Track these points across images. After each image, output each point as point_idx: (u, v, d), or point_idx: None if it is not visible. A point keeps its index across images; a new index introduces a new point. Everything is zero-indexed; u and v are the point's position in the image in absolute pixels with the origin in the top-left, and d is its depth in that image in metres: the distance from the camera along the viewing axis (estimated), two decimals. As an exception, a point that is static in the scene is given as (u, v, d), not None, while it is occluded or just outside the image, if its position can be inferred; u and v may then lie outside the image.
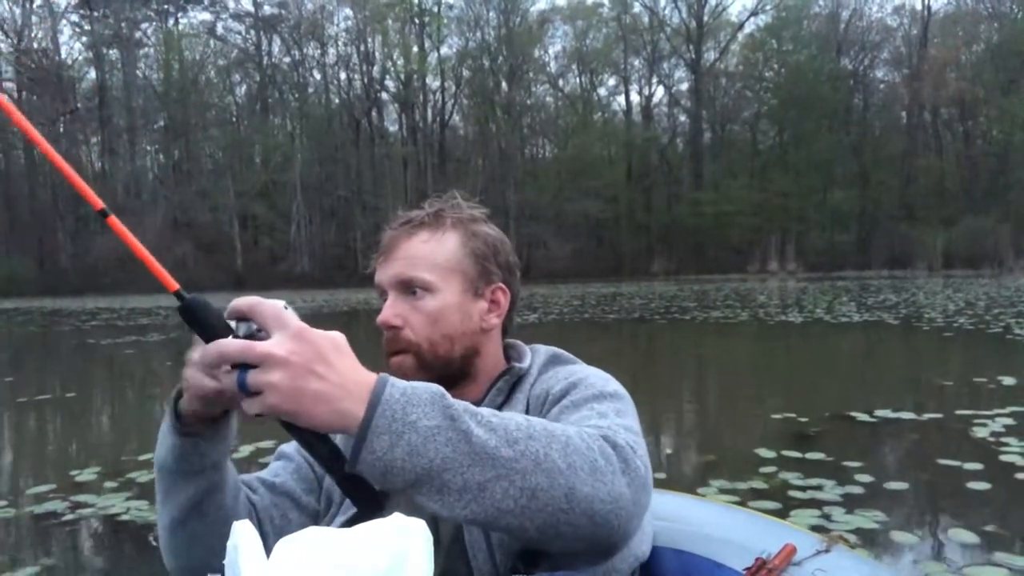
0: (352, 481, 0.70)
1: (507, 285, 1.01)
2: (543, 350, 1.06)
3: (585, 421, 0.81)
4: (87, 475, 3.96)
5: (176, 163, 49.36)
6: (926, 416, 4.73)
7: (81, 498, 3.55)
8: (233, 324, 0.68)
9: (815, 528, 2.76)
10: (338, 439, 0.75)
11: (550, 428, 0.72)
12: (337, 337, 0.69)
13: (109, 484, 3.77)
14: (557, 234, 48.39)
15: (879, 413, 4.83)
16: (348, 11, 51.52)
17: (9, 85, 46.77)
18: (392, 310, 0.94)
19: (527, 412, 0.95)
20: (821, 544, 0.96)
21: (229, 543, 0.53)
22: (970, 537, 2.67)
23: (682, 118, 57.71)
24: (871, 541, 2.68)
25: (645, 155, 54.28)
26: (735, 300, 18.92)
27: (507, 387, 0.99)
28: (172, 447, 0.80)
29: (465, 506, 0.67)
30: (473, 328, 0.97)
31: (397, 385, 0.68)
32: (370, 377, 0.68)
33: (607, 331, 12.49)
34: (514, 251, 1.05)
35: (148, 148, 51.00)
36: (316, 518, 0.97)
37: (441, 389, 0.70)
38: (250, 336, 0.67)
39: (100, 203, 0.68)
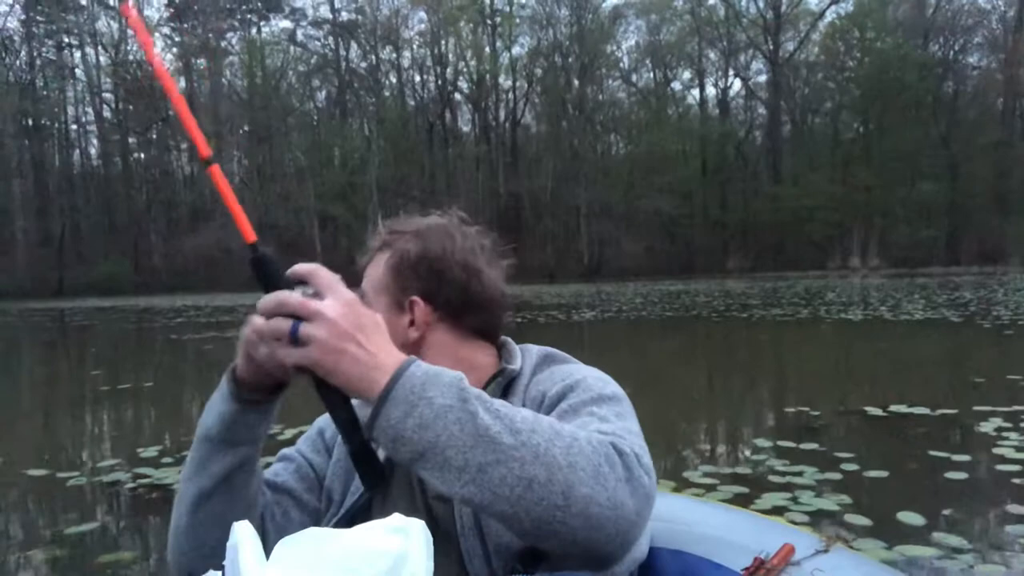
0: (362, 453, 0.76)
1: (428, 295, 0.99)
2: (535, 350, 1.06)
3: (588, 427, 0.82)
4: (150, 452, 4.48)
5: (260, 167, 51.54)
6: (940, 412, 4.79)
7: (142, 470, 4.06)
8: (295, 285, 0.77)
9: (776, 509, 3.00)
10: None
11: (558, 427, 0.74)
12: (379, 318, 0.78)
13: (167, 460, 4.28)
14: (629, 231, 48.19)
15: (893, 408, 4.91)
16: (422, 15, 52.74)
17: (108, 96, 49.82)
18: None
19: None
20: (820, 544, 0.97)
21: (229, 543, 0.54)
22: (918, 520, 2.84)
23: (760, 111, 56.55)
24: (825, 521, 2.88)
25: (721, 149, 53.39)
26: (802, 298, 18.63)
27: (499, 390, 1.00)
28: (222, 414, 0.86)
29: (464, 485, 0.70)
30: (400, 342, 0.95)
31: (422, 366, 0.75)
32: (400, 355, 0.76)
33: (656, 328, 12.61)
34: (457, 253, 1.00)
35: (234, 153, 53.41)
36: (317, 516, 1.01)
37: (461, 375, 0.75)
38: (308, 295, 0.75)
39: (208, 151, 0.74)
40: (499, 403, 0.74)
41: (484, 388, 0.97)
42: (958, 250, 44.99)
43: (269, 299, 0.74)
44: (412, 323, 0.99)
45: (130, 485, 3.82)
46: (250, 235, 0.75)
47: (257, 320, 0.77)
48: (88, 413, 6.68)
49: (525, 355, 1.04)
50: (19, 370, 10.56)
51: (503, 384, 1.00)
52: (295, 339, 0.73)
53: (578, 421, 0.84)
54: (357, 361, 0.73)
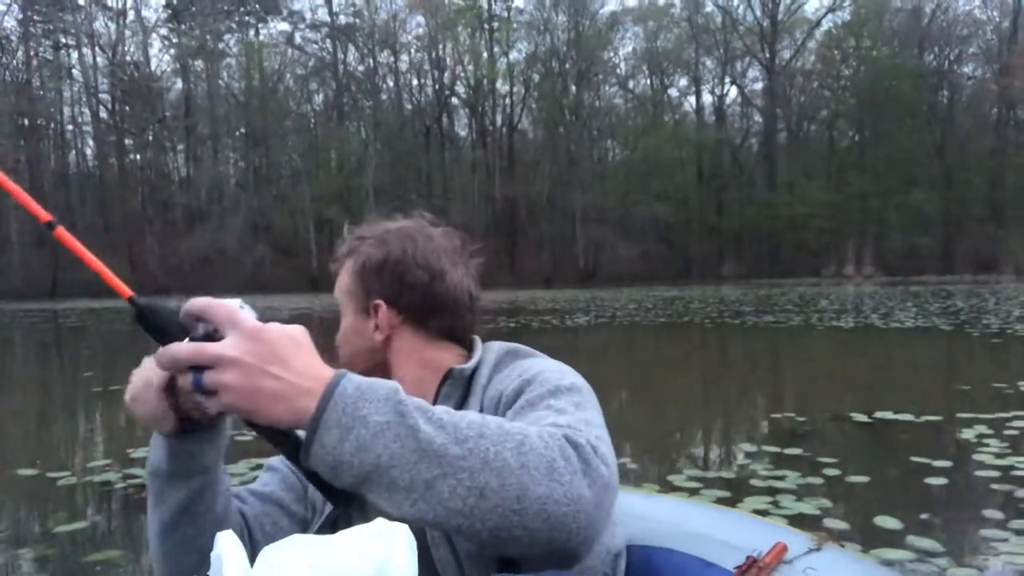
0: (318, 475, 0.71)
1: (392, 298, 1.01)
2: (496, 347, 1.04)
3: (543, 420, 0.79)
4: (140, 452, 4.50)
5: (256, 169, 51.55)
6: (924, 418, 4.85)
7: (132, 471, 4.08)
8: (193, 324, 0.70)
9: (757, 511, 3.04)
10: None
11: (506, 427, 0.70)
12: (296, 332, 0.70)
13: (157, 460, 4.31)
14: (625, 237, 48.32)
15: (878, 415, 4.97)
16: (420, 19, 52.90)
17: (104, 96, 49.78)
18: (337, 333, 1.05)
19: None
20: (812, 543, 0.97)
21: (213, 553, 0.53)
22: (894, 523, 2.89)
23: (756, 118, 56.85)
24: (802, 524, 2.92)
25: (717, 156, 53.69)
26: (796, 305, 18.72)
27: (455, 392, 0.98)
28: (164, 447, 0.83)
29: (413, 504, 0.66)
30: (368, 346, 1.02)
31: (353, 380, 0.69)
32: (328, 372, 0.69)
33: (649, 334, 12.67)
34: (421, 255, 1.02)
35: (230, 155, 53.45)
36: (305, 525, 1.00)
37: (396, 385, 0.70)
38: (208, 336, 0.68)
39: (46, 215, 0.69)
40: (441, 410, 0.70)
41: (437, 391, 0.98)
42: (952, 259, 45.25)
43: (162, 355, 0.68)
44: (377, 327, 1.01)
45: (120, 485, 3.85)
46: (124, 291, 0.68)
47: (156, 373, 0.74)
48: (80, 414, 6.71)
49: (486, 353, 1.02)
50: (11, 371, 10.56)
51: (458, 386, 0.98)
52: (202, 390, 0.67)
53: (534, 415, 0.82)
54: (276, 395, 0.66)
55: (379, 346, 1.02)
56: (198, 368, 0.67)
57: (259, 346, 0.67)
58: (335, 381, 0.68)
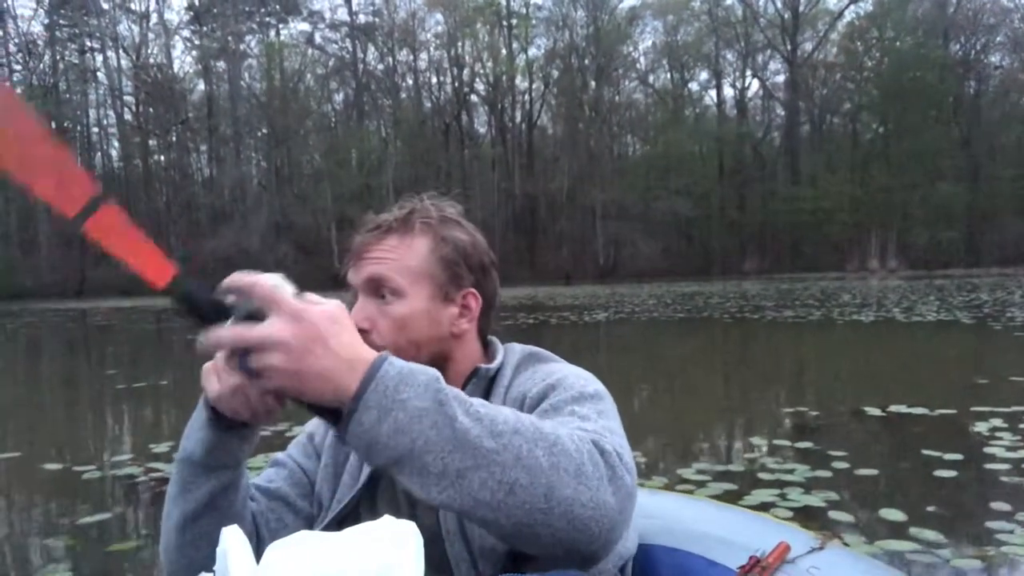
0: None
1: (479, 288, 0.99)
2: (518, 349, 1.04)
3: (568, 425, 0.79)
4: (162, 447, 4.62)
5: (278, 168, 51.99)
6: (938, 412, 4.84)
7: (154, 465, 4.19)
8: (231, 299, 0.69)
9: (763, 505, 3.08)
10: None
11: (540, 426, 0.72)
12: (335, 310, 0.70)
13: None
14: (645, 233, 48.14)
15: (892, 408, 4.96)
16: (439, 17, 53.02)
17: (129, 99, 50.43)
18: (361, 313, 0.93)
19: None
20: (815, 541, 0.97)
21: (219, 548, 0.53)
22: (899, 515, 2.90)
23: (778, 111, 56.34)
24: (809, 517, 2.95)
25: (738, 150, 53.30)
26: (817, 299, 18.59)
27: (478, 391, 0.97)
28: (203, 440, 0.83)
29: (442, 491, 0.67)
30: (442, 334, 0.96)
31: (395, 363, 0.69)
32: (369, 353, 0.70)
33: (666, 329, 12.66)
34: (489, 250, 1.02)
35: (252, 155, 53.97)
36: (311, 522, 0.99)
37: (437, 373, 0.71)
38: (249, 315, 0.68)
39: (78, 203, 0.66)
40: (479, 403, 0.71)
41: (462, 388, 0.96)
42: (978, 252, 44.60)
43: (206, 341, 0.68)
44: (461, 315, 0.97)
45: (143, 479, 3.95)
46: (166, 272, 0.69)
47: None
48: (104, 411, 6.86)
49: (507, 354, 1.02)
50: (39, 369, 10.81)
51: (481, 385, 0.98)
52: (249, 372, 0.68)
53: (558, 420, 0.83)
54: (323, 374, 0.67)
55: (457, 335, 0.98)
56: (243, 351, 0.68)
57: (303, 327, 0.67)
58: (378, 363, 0.69)
